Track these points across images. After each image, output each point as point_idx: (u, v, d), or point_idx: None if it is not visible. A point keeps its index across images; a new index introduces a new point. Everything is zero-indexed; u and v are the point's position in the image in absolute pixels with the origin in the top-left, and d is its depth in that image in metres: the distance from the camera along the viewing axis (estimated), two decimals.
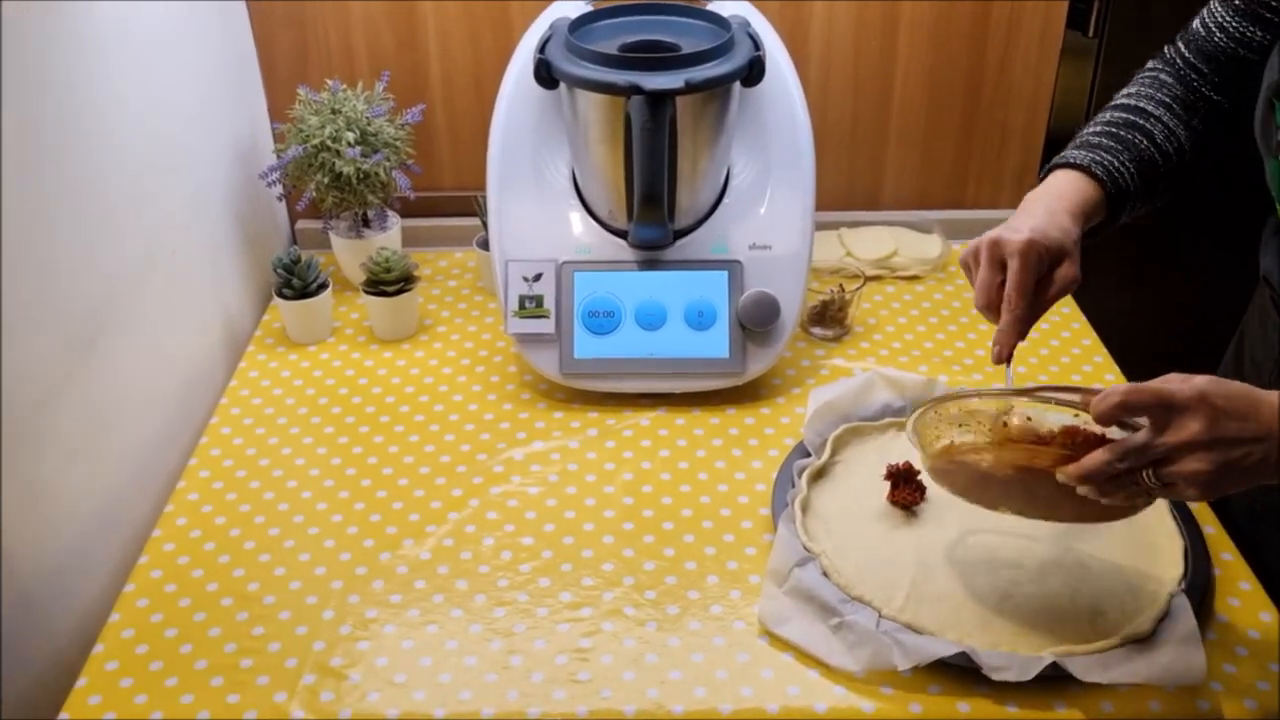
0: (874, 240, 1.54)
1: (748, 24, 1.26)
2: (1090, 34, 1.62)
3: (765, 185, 1.30)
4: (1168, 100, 1.06)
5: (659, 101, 1.14)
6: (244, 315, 1.43)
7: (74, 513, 1.04)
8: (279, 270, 1.36)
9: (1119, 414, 0.83)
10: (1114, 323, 1.44)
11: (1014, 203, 1.59)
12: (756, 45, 1.23)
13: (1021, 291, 0.95)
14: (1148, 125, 1.04)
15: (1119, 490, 0.85)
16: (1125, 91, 1.09)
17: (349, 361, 1.36)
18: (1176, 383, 0.81)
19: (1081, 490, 0.87)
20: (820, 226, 1.52)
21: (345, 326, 1.43)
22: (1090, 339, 1.38)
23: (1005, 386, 1.00)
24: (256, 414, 1.27)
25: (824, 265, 1.43)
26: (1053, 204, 0.99)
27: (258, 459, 1.21)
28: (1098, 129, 1.05)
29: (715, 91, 1.19)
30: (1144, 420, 0.82)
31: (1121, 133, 1.04)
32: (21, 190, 0.94)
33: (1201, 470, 0.80)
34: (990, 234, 0.98)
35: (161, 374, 1.21)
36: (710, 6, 1.30)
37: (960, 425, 0.98)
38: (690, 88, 1.15)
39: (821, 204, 1.33)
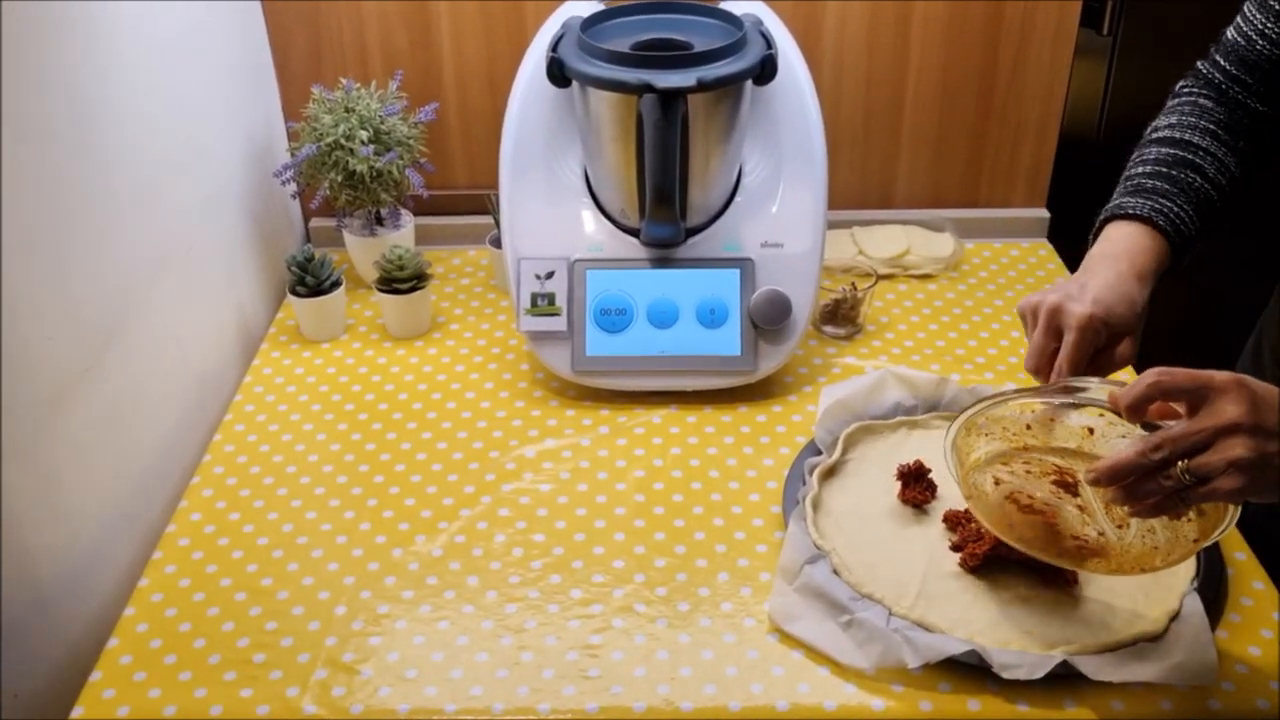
0: (886, 239, 1.54)
1: (760, 22, 1.26)
2: (1104, 32, 1.61)
3: (777, 183, 1.30)
4: (1211, 127, 1.02)
5: (671, 100, 1.14)
6: (258, 313, 1.44)
7: (90, 508, 1.04)
8: (293, 268, 1.36)
9: (1152, 396, 0.80)
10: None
11: (1027, 201, 1.62)
12: (769, 43, 1.23)
13: (1073, 368, 0.93)
14: (1198, 160, 1.00)
15: (1151, 495, 0.82)
16: (1166, 122, 1.04)
17: (362, 359, 1.37)
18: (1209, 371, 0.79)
19: (1110, 497, 0.84)
20: (833, 225, 1.52)
21: (358, 324, 1.43)
22: None
23: (1023, 387, 1.01)
24: (270, 411, 1.28)
25: (836, 264, 1.43)
26: (1121, 267, 0.95)
27: (271, 455, 1.21)
28: (1147, 169, 1.01)
29: (727, 90, 1.20)
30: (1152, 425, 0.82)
31: (1174, 172, 0.99)
32: (38, 188, 0.95)
33: (1242, 457, 0.77)
34: (1053, 297, 0.94)
35: (176, 371, 1.22)
36: (723, 5, 1.30)
37: (987, 435, 0.99)
38: (702, 86, 1.15)
39: (834, 202, 1.33)
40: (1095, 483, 0.84)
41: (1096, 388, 0.94)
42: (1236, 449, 0.77)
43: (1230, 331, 1.30)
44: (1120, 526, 0.93)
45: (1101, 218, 1.02)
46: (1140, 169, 1.02)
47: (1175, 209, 0.98)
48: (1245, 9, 1.03)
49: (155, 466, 1.17)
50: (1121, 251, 0.97)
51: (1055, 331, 0.94)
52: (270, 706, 0.93)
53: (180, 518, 1.13)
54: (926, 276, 1.52)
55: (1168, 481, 0.81)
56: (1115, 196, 1.03)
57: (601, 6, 1.30)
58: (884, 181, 1.61)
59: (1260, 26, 1.01)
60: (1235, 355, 1.24)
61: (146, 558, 1.09)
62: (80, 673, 0.98)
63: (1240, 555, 1.06)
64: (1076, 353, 0.92)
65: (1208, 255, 1.07)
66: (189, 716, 0.93)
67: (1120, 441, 0.96)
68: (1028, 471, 0.97)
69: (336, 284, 1.39)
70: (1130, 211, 0.99)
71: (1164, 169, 1.01)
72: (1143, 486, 0.82)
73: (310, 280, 1.37)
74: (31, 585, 0.96)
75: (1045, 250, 1.59)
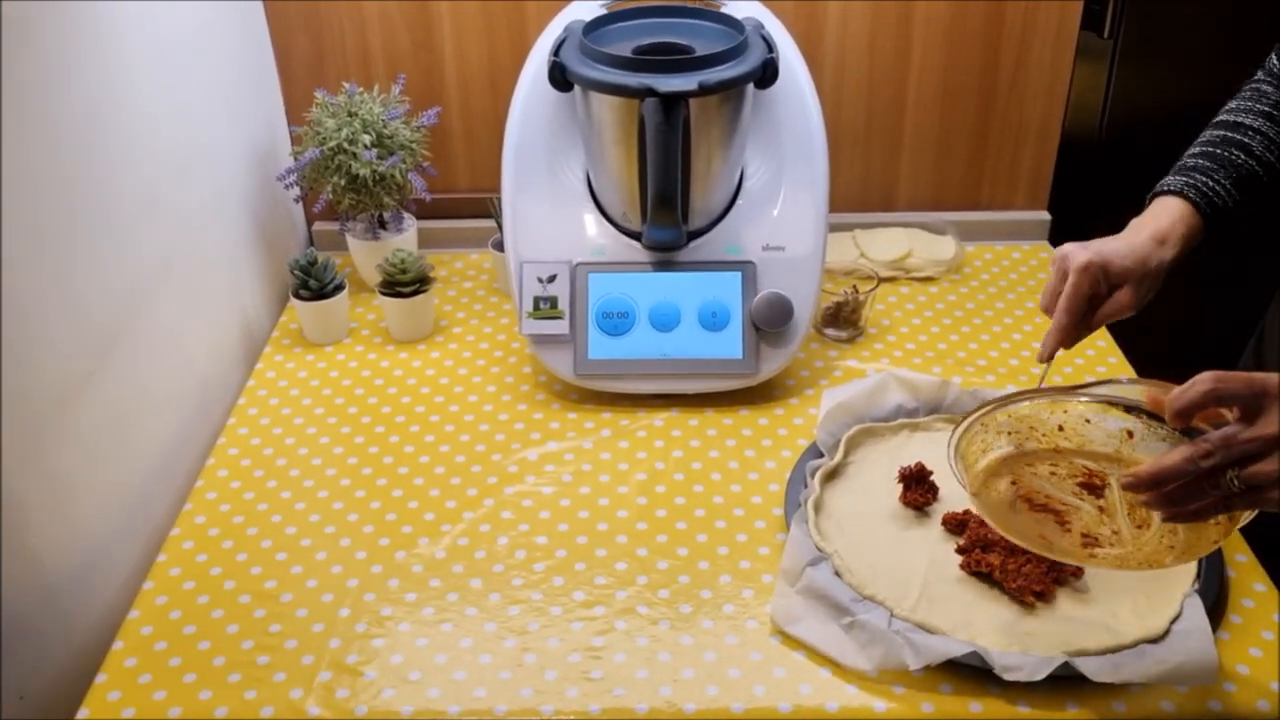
0: (888, 241, 1.54)
1: (761, 26, 1.27)
2: (1105, 35, 1.62)
3: (779, 186, 1.30)
4: (1267, 109, 1.06)
5: (673, 104, 1.14)
6: (261, 316, 1.45)
7: (95, 511, 1.05)
8: (296, 271, 1.37)
9: (1206, 403, 0.79)
10: (1130, 323, 1.43)
11: (1028, 204, 1.63)
12: (770, 47, 1.23)
13: (1069, 307, 0.97)
14: (1244, 139, 1.04)
15: (1193, 502, 0.80)
16: (1227, 106, 1.09)
17: (365, 362, 1.37)
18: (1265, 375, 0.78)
19: (1145, 499, 0.82)
20: (834, 228, 1.52)
21: (361, 327, 1.44)
22: (1105, 340, 1.38)
23: (1056, 385, 1.00)
24: (273, 414, 1.28)
25: (838, 266, 1.43)
26: (1143, 227, 1.01)
27: (275, 458, 1.22)
28: (1195, 150, 1.06)
29: (729, 93, 1.20)
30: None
31: (1219, 151, 1.04)
32: (42, 192, 0.96)
33: None
34: (1067, 245, 1.00)
35: (180, 374, 1.23)
36: (724, 9, 1.31)
37: (1011, 433, 0.98)
38: (704, 90, 1.15)
39: (835, 205, 1.34)
40: (1134, 488, 0.82)
41: (1128, 388, 0.94)
42: None
43: (1231, 334, 1.30)
44: (1139, 527, 0.92)
45: (1148, 198, 1.06)
46: (1191, 150, 1.07)
47: (1211, 183, 1.02)
48: None
49: (159, 469, 1.17)
50: (1148, 219, 1.02)
51: (1063, 275, 0.99)
52: (274, 708, 0.94)
53: (184, 520, 1.14)
54: (928, 279, 1.52)
55: (1214, 490, 0.79)
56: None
57: (603, 10, 1.30)
58: (885, 184, 1.62)
59: None
60: (1235, 358, 1.24)
61: (151, 560, 1.10)
62: (86, 674, 0.98)
63: (1241, 558, 1.06)
64: (1073, 292, 0.97)
65: (1207, 262, 1.08)
66: (193, 718, 0.93)
67: (1159, 445, 0.94)
68: (1052, 473, 0.97)
69: (339, 287, 1.39)
70: (1166, 189, 1.04)
71: (1210, 148, 1.05)
72: (1186, 493, 0.80)
73: (313, 284, 1.37)
74: (37, 587, 0.96)
75: (1047, 253, 1.59)
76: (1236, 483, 0.78)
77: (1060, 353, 1.00)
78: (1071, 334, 0.99)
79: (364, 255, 1.47)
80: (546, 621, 1.01)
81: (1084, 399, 0.97)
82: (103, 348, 1.06)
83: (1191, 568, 1.01)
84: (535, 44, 1.32)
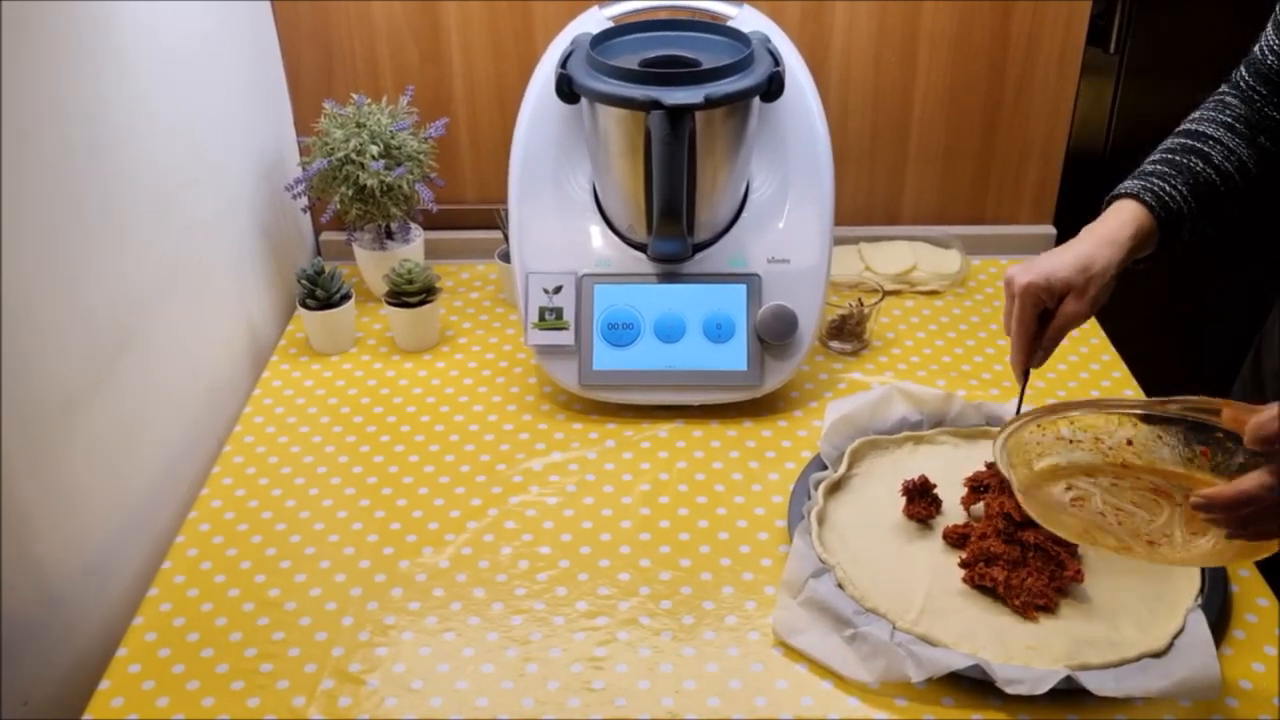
0: (893, 255, 1.54)
1: (768, 39, 1.27)
2: (1111, 50, 1.62)
3: (784, 199, 1.31)
4: (1229, 120, 1.07)
5: (679, 116, 1.15)
6: (268, 325, 1.45)
7: (100, 517, 1.05)
8: (303, 281, 1.37)
9: None
10: (1135, 337, 1.44)
11: (1033, 218, 1.63)
12: (776, 61, 1.24)
13: (1019, 330, 1.02)
14: (1204, 148, 1.05)
15: (1264, 524, 0.81)
16: (1191, 116, 1.10)
17: (371, 372, 1.38)
18: None
19: (1215, 519, 0.83)
20: (839, 241, 1.53)
21: (367, 337, 1.44)
22: (1110, 354, 1.38)
23: (1123, 399, 1.01)
24: (279, 423, 1.29)
25: (843, 279, 1.44)
26: (1092, 232, 1.03)
27: (280, 467, 1.22)
28: (1156, 157, 1.07)
29: (735, 106, 1.21)
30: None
31: (1177, 158, 1.05)
32: (51, 201, 0.96)
33: None
34: (1012, 268, 1.02)
35: (187, 382, 1.23)
36: (730, 22, 1.31)
37: (1073, 442, 0.98)
38: (710, 103, 1.16)
39: (841, 218, 1.34)
40: (1206, 509, 0.83)
41: (1201, 406, 0.93)
42: None
43: (1227, 351, 1.30)
44: (1194, 534, 0.91)
45: (1104, 201, 1.08)
46: (1151, 157, 1.08)
47: (1167, 187, 1.03)
48: (1268, 27, 1.07)
49: (165, 477, 1.17)
50: (1099, 223, 1.04)
51: (1013, 298, 1.02)
52: (277, 716, 0.94)
53: (189, 528, 1.14)
54: (933, 293, 1.52)
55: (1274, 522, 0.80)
56: None
57: (611, 23, 1.31)
58: (891, 198, 1.62)
59: (1273, 44, 1.06)
60: (1232, 375, 1.25)
61: (155, 567, 1.10)
62: (90, 680, 0.98)
63: (1244, 572, 1.06)
64: (1020, 315, 1.01)
65: (1205, 274, 1.08)
66: None
67: (1230, 462, 0.93)
68: (1114, 484, 0.97)
69: (346, 297, 1.40)
70: (1122, 192, 1.05)
71: (1169, 155, 1.06)
72: (1258, 516, 0.81)
73: (320, 293, 1.38)
74: (42, 593, 0.96)
75: None
76: None
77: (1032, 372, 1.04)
78: (1030, 353, 1.03)
79: (371, 265, 1.48)
80: (549, 631, 1.02)
81: (1159, 414, 0.96)
82: (110, 355, 1.07)
83: (1195, 583, 1.01)
84: (542, 56, 1.33)
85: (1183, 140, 1.07)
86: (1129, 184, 1.05)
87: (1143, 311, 1.67)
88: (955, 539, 1.06)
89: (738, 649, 0.99)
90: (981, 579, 1.01)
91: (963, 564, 1.03)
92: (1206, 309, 1.72)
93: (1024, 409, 1.03)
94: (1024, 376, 1.05)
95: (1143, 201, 1.03)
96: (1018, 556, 1.01)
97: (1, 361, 0.89)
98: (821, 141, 1.30)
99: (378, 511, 1.16)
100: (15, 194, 0.90)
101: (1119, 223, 1.02)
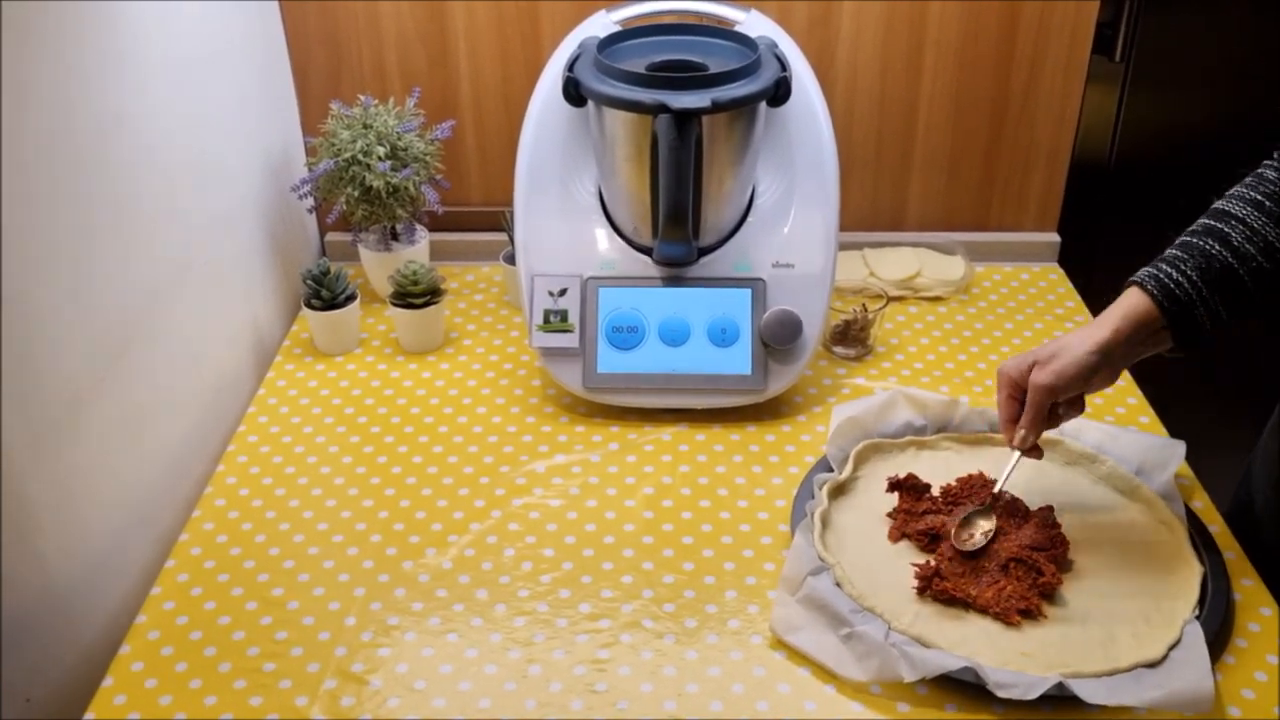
0: (898, 261, 1.55)
1: (775, 45, 1.28)
2: (1117, 58, 1.62)
3: (790, 204, 1.31)
4: (1259, 198, 1.01)
5: (685, 120, 1.15)
6: (273, 325, 1.45)
7: (105, 514, 1.05)
8: (308, 281, 1.38)
9: None
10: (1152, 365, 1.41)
11: (1038, 226, 1.63)
12: (783, 66, 1.24)
13: (1032, 429, 1.05)
14: (1224, 228, 1.00)
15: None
16: (1227, 191, 1.06)
17: (375, 373, 1.38)
18: None
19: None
20: (844, 246, 1.53)
21: (372, 338, 1.44)
22: (1125, 379, 1.36)
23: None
24: (283, 423, 1.29)
25: (847, 285, 1.44)
26: (1102, 325, 1.02)
27: (284, 467, 1.22)
28: (1178, 240, 1.04)
29: (741, 111, 1.21)
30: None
31: (1195, 240, 1.01)
32: (59, 200, 0.97)
33: None
34: (1017, 368, 1.05)
35: (192, 381, 1.23)
36: (737, 27, 1.32)
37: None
38: (716, 107, 1.16)
39: (846, 224, 1.34)
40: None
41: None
42: None
43: (1260, 384, 1.27)
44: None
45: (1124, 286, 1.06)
46: (1178, 239, 1.04)
47: (1175, 274, 1.00)
48: None
49: (169, 475, 1.18)
50: (1108, 314, 1.03)
51: (1020, 400, 1.06)
52: (279, 715, 0.94)
53: (193, 527, 1.14)
54: (937, 299, 1.52)
55: None
56: None
57: (618, 27, 1.31)
58: (895, 204, 1.62)
59: None
60: (1264, 404, 1.22)
61: (159, 566, 1.10)
62: (92, 678, 0.98)
63: (1248, 581, 1.06)
64: (1033, 415, 1.04)
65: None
66: None
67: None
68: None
69: (351, 298, 1.40)
70: (1133, 279, 1.03)
71: (1190, 238, 1.02)
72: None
73: (325, 294, 1.38)
74: (44, 589, 0.97)
75: (1056, 274, 1.60)
76: None
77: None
78: (1009, 434, 1.07)
79: (376, 266, 1.48)
80: (552, 633, 1.02)
81: None
82: (115, 353, 1.07)
83: (1194, 594, 1.00)
84: (549, 60, 1.33)
85: (1206, 221, 1.03)
86: (1144, 271, 1.03)
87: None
88: (924, 542, 1.07)
89: (740, 653, 1.00)
90: (942, 594, 1.01)
91: (918, 581, 1.02)
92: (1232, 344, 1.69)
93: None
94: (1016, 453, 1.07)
95: (1145, 289, 1.00)
96: (990, 572, 1.03)
97: (6, 358, 0.90)
98: (827, 147, 1.30)
99: (381, 512, 1.16)
100: (22, 192, 0.91)
101: (1114, 306, 1.02)
